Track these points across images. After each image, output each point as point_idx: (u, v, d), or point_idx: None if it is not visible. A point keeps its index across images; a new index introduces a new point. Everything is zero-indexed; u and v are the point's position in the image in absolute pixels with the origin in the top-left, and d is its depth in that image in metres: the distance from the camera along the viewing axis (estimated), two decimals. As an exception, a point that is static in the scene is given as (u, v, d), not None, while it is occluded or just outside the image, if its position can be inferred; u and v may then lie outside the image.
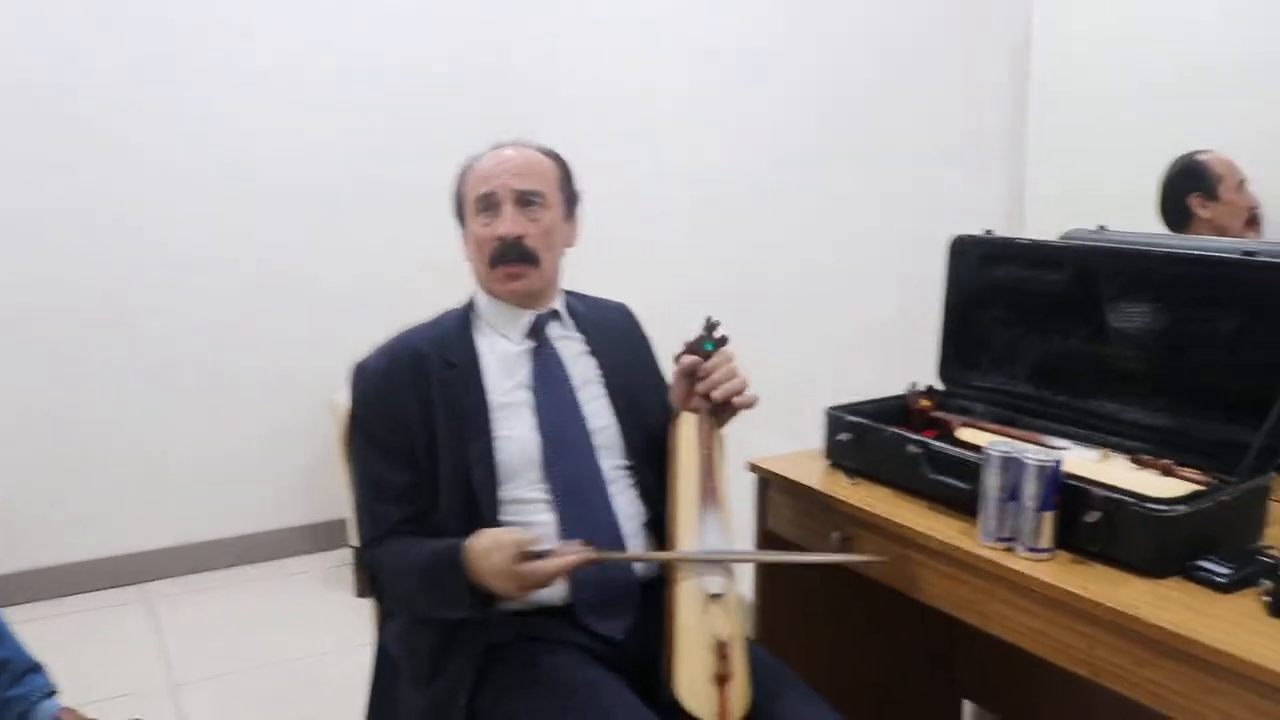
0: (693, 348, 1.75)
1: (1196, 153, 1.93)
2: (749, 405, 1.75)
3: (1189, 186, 1.94)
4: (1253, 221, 1.89)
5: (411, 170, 3.61)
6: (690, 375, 1.74)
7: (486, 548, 1.52)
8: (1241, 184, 1.89)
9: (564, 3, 3.68)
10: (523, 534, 1.53)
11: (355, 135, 3.67)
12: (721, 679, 1.46)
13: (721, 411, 1.75)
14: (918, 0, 2.41)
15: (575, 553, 1.52)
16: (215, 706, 2.77)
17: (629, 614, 1.66)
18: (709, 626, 1.51)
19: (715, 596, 1.54)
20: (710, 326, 1.76)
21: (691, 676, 1.46)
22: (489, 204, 1.75)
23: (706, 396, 1.73)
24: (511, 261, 1.74)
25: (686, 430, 1.72)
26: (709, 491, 1.65)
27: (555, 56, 3.82)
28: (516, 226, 1.73)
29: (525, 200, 1.75)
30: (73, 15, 3.22)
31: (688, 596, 1.54)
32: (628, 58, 3.45)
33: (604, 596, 1.65)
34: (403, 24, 3.71)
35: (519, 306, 1.80)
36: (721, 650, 1.48)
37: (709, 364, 1.73)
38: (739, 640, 1.52)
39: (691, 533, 1.61)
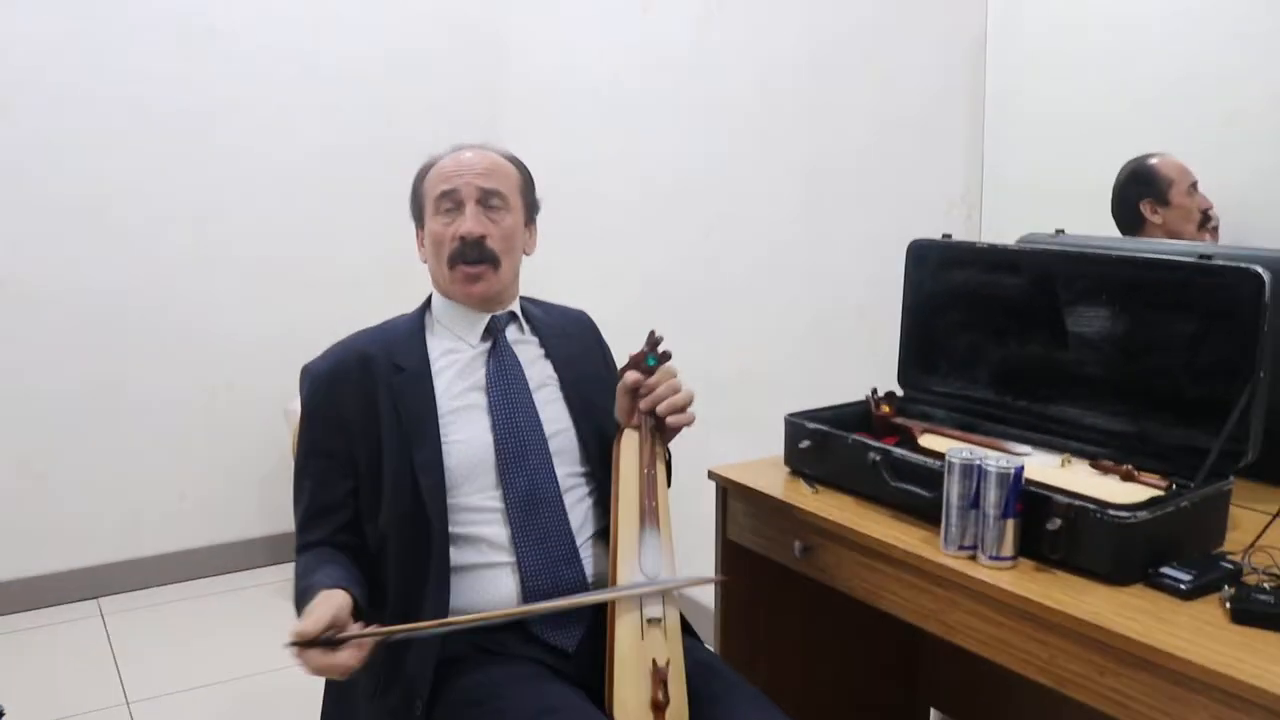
0: (635, 362, 1.72)
1: (1147, 156, 1.94)
2: (686, 424, 1.72)
3: (1139, 192, 1.94)
4: (1205, 223, 1.89)
5: (370, 172, 3.58)
6: (633, 391, 1.71)
7: (306, 611, 1.45)
8: (1193, 187, 1.89)
9: (551, 17, 3.66)
10: (319, 619, 1.40)
11: (320, 138, 3.63)
12: (658, 705, 1.45)
13: (664, 429, 1.72)
14: (876, 7, 2.40)
15: (359, 639, 1.41)
16: (169, 724, 2.72)
17: (580, 625, 1.64)
18: (647, 651, 1.49)
19: (653, 621, 1.52)
20: (653, 342, 1.73)
21: (628, 703, 1.45)
22: (452, 202, 1.72)
23: (650, 413, 1.70)
24: (471, 261, 1.71)
25: (628, 448, 1.69)
26: (648, 512, 1.63)
27: (516, 54, 3.81)
28: (479, 226, 1.71)
29: (488, 201, 1.73)
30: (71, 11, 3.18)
31: (625, 621, 1.52)
32: (585, 57, 3.44)
33: None
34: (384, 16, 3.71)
35: (476, 309, 1.77)
36: (658, 676, 1.47)
37: (652, 380, 1.70)
38: (677, 666, 1.50)
39: (629, 555, 1.59)
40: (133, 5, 3.29)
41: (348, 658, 1.40)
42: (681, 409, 1.70)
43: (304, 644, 1.39)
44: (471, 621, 1.54)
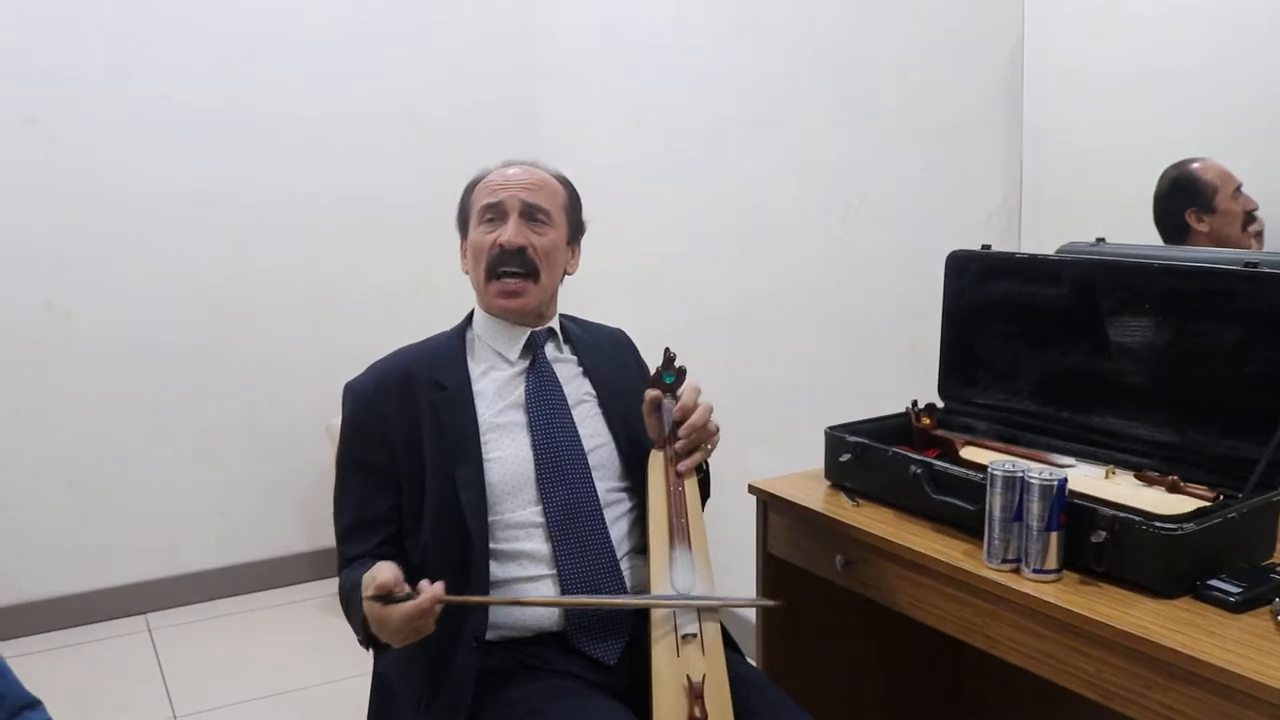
0: (653, 381, 1.73)
1: (1188, 162, 1.91)
2: (704, 446, 1.72)
3: (1184, 201, 1.91)
4: (1249, 224, 1.86)
5: (419, 194, 3.62)
6: (656, 409, 1.72)
7: (365, 582, 1.47)
8: (1236, 190, 1.87)
9: (583, 27, 3.68)
10: (387, 574, 1.43)
11: (358, 161, 3.66)
12: None
13: (686, 468, 1.71)
14: (912, 19, 2.39)
15: (430, 595, 1.44)
16: (216, 739, 2.75)
17: (620, 636, 1.64)
18: (682, 668, 1.49)
19: (688, 637, 1.52)
20: (668, 359, 1.74)
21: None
22: (495, 214, 1.74)
23: (674, 435, 1.70)
24: (510, 271, 1.73)
25: (656, 468, 1.70)
26: (678, 529, 1.63)
27: (551, 75, 3.83)
28: (520, 237, 1.72)
29: (531, 214, 1.74)
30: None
31: (660, 639, 1.52)
32: (618, 75, 3.45)
33: (594, 618, 1.63)
34: (423, 47, 3.74)
35: (515, 324, 1.78)
36: (694, 692, 1.46)
37: (682, 402, 1.70)
38: (716, 681, 1.49)
39: (661, 573, 1.59)
40: (176, 29, 3.34)
41: (427, 599, 1.43)
42: (702, 426, 1.70)
43: (380, 598, 1.42)
44: (536, 603, 1.61)
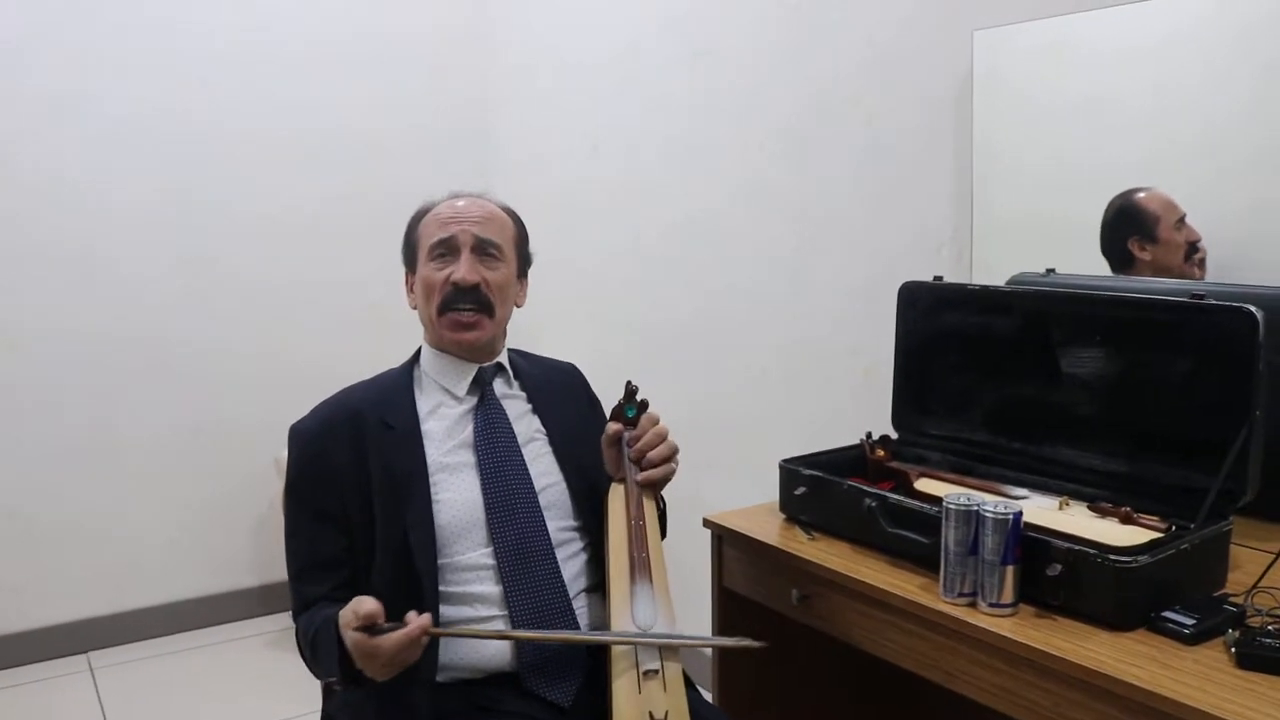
0: (615, 414, 1.72)
1: (1134, 191, 1.93)
2: (666, 476, 1.70)
3: (1127, 230, 1.93)
4: (1192, 254, 1.88)
5: (374, 218, 3.55)
6: (616, 442, 1.70)
7: (345, 618, 1.44)
8: (1180, 221, 1.89)
9: (537, 51, 3.68)
10: (372, 604, 1.41)
11: (312, 184, 3.62)
12: None
13: (649, 482, 1.70)
14: (864, 49, 2.41)
15: (419, 625, 1.42)
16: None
17: (574, 678, 1.61)
18: (645, 704, 1.46)
19: (650, 673, 1.49)
20: (630, 392, 1.72)
21: None
22: (446, 249, 1.71)
23: (636, 464, 1.68)
24: (464, 308, 1.70)
25: (615, 501, 1.68)
26: (639, 564, 1.60)
27: (506, 103, 3.82)
28: (473, 274, 1.70)
29: (483, 249, 1.72)
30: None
31: (620, 676, 1.49)
32: (574, 104, 3.45)
33: (547, 659, 1.60)
34: (383, 66, 3.72)
35: (464, 359, 1.76)
36: None
37: (637, 430, 1.69)
38: (679, 716, 1.46)
39: (622, 608, 1.56)
40: (132, 49, 3.30)
41: (415, 635, 1.41)
42: (664, 459, 1.69)
43: (370, 628, 1.40)
44: (527, 638, 1.57)
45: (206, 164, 3.46)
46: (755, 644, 1.60)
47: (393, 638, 1.40)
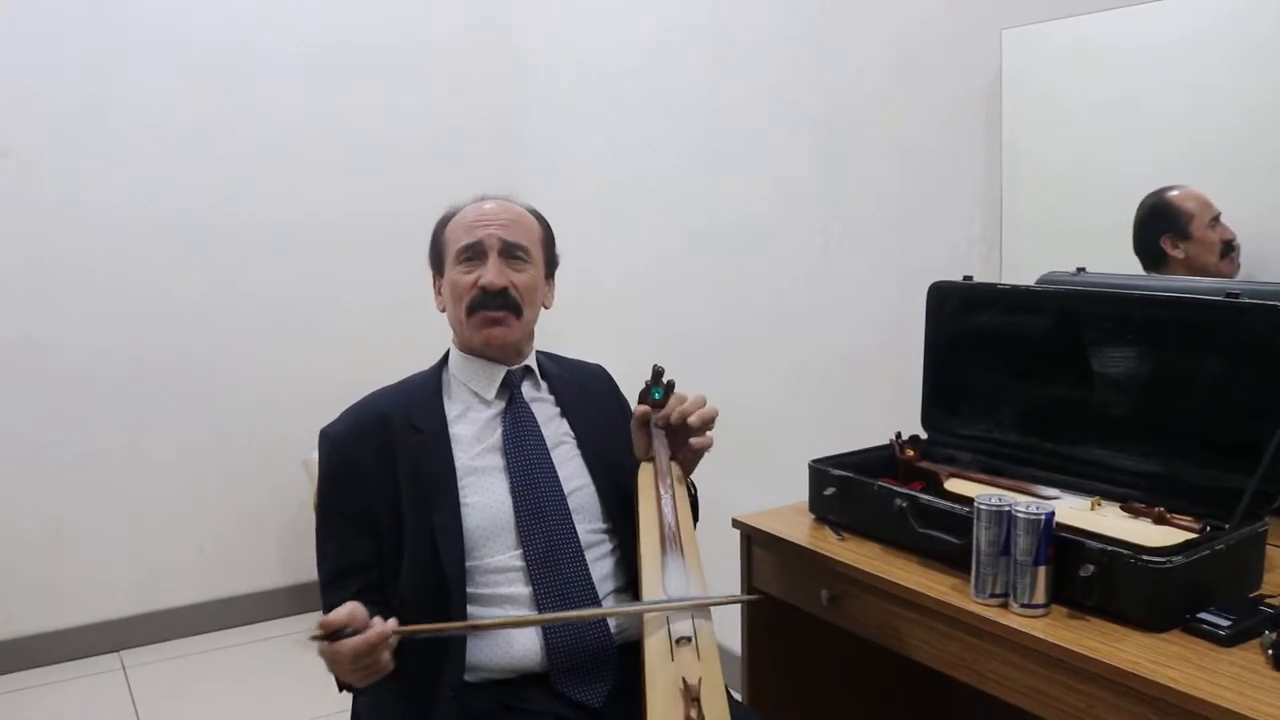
0: (642, 397, 1.73)
1: (1167, 189, 1.91)
2: (706, 446, 1.71)
3: (1160, 228, 1.92)
4: (1227, 253, 1.87)
5: (398, 222, 3.57)
6: (645, 425, 1.71)
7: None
8: (1214, 219, 1.87)
9: (561, 53, 3.68)
10: (338, 613, 1.42)
11: (336, 188, 3.64)
12: None
13: (682, 454, 1.71)
14: (890, 49, 2.40)
15: (377, 631, 1.42)
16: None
17: (606, 679, 1.61)
18: (677, 671, 1.45)
19: (682, 640, 1.49)
20: (657, 374, 1.73)
21: None
22: (474, 253, 1.72)
23: (665, 442, 1.69)
24: (493, 308, 1.71)
25: (645, 479, 1.68)
26: (670, 536, 1.60)
27: (529, 107, 3.83)
28: (501, 278, 1.70)
29: (511, 253, 1.73)
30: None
31: (654, 642, 1.49)
32: (597, 108, 3.45)
33: (578, 661, 1.60)
34: (404, 74, 3.73)
35: (493, 361, 1.76)
36: (689, 695, 1.42)
37: (669, 404, 1.70)
38: (712, 683, 1.45)
39: (653, 579, 1.56)
40: (154, 55, 3.33)
41: (374, 634, 1.42)
42: (704, 422, 1.70)
43: (327, 636, 1.41)
44: (495, 625, 1.57)
45: (233, 174, 3.48)
46: (741, 599, 1.69)
47: (350, 643, 1.41)
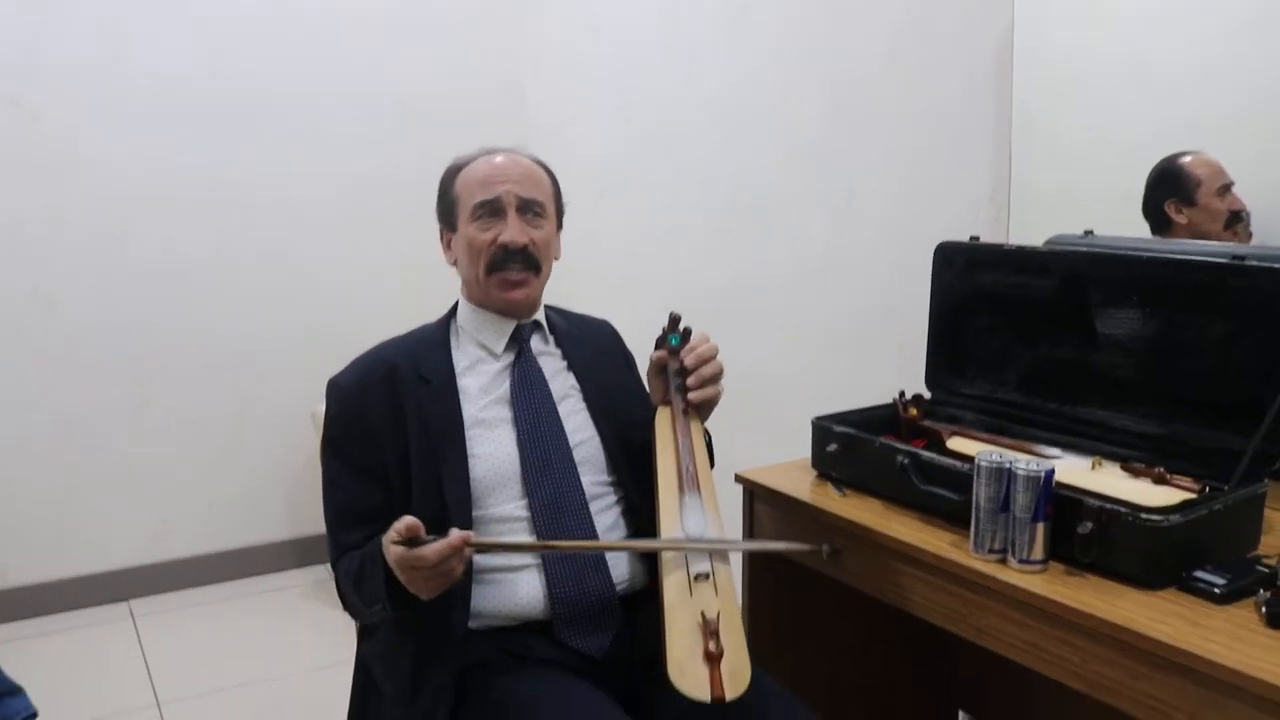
0: (659, 343, 1.74)
1: (1180, 155, 1.91)
2: (714, 396, 1.73)
3: (1166, 192, 1.92)
4: (1232, 225, 1.86)
5: (407, 180, 3.56)
6: (662, 370, 1.73)
7: (387, 536, 1.47)
8: (1224, 188, 1.87)
9: (573, 17, 3.66)
10: (408, 519, 1.45)
11: (345, 146, 3.65)
12: (710, 657, 1.42)
13: (698, 401, 1.73)
14: (901, 10, 2.39)
15: (457, 536, 1.45)
16: (199, 726, 2.74)
17: (608, 630, 1.63)
18: (696, 606, 1.47)
19: (700, 577, 1.51)
20: (674, 320, 1.74)
21: (680, 659, 1.42)
22: (491, 210, 1.71)
23: (681, 388, 1.71)
24: (514, 268, 1.71)
25: (662, 423, 1.70)
26: (688, 477, 1.63)
27: (542, 58, 3.81)
28: (522, 235, 1.71)
29: (529, 209, 1.73)
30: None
31: (672, 579, 1.51)
32: (611, 62, 3.44)
33: (581, 611, 1.62)
34: (415, 35, 3.72)
35: (504, 315, 1.77)
36: (708, 628, 1.44)
37: (691, 342, 1.71)
38: (730, 617, 1.48)
39: (671, 518, 1.58)
40: (163, 9, 3.33)
41: (458, 538, 1.44)
42: (713, 375, 1.71)
43: (406, 542, 1.43)
44: (569, 547, 1.62)
45: (242, 132, 3.49)
46: (807, 547, 1.68)
47: (435, 546, 1.42)
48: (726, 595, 1.50)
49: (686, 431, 1.68)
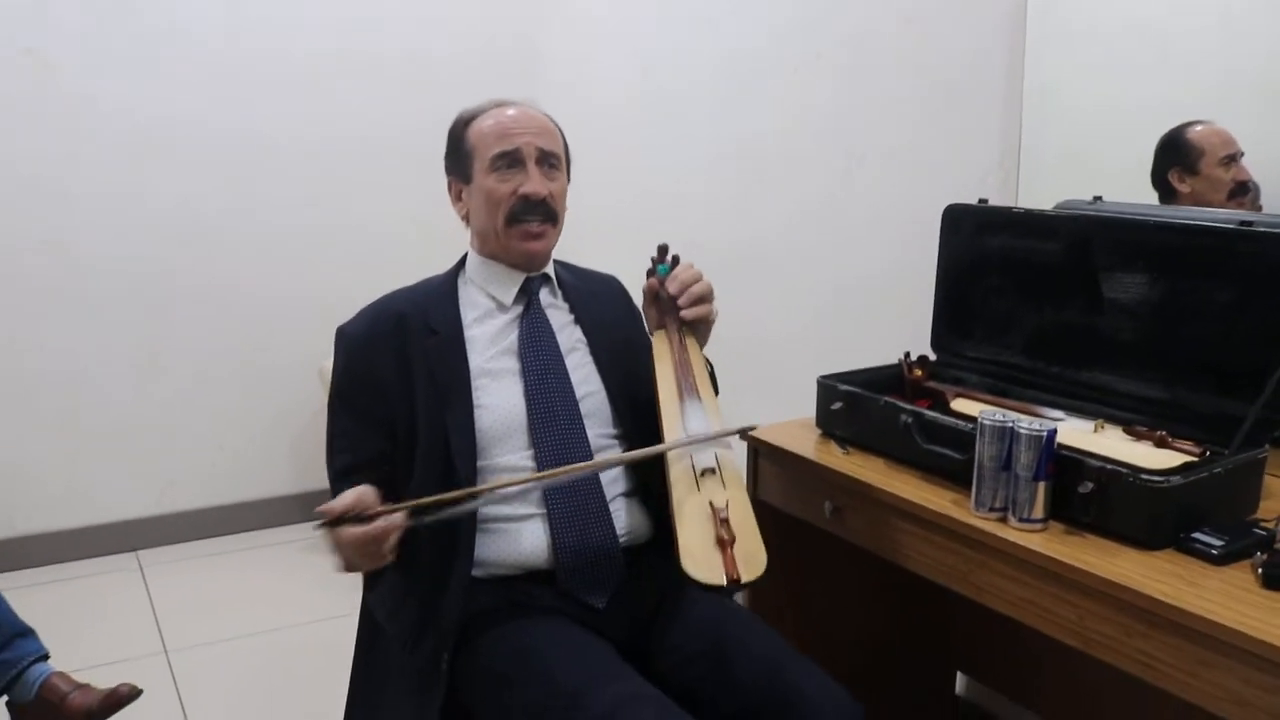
0: (650, 274, 1.75)
1: (1189, 124, 1.91)
2: (706, 315, 1.74)
3: (1170, 161, 1.92)
4: (1237, 195, 1.86)
5: (418, 135, 3.55)
6: (655, 298, 1.74)
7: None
8: (1229, 158, 1.86)
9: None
10: (344, 497, 1.45)
11: (357, 100, 3.64)
12: (722, 543, 1.43)
13: (692, 324, 1.74)
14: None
15: (382, 525, 1.43)
16: (207, 674, 2.77)
17: (610, 581, 1.65)
18: (704, 497, 1.49)
19: (706, 472, 1.53)
20: (662, 249, 1.75)
21: (691, 547, 1.44)
22: (511, 161, 1.71)
23: (674, 312, 1.72)
24: (534, 219, 1.72)
25: (660, 346, 1.72)
26: (688, 387, 1.65)
27: (552, 15, 3.79)
28: (543, 187, 1.72)
29: (547, 161, 1.74)
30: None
31: (679, 477, 1.53)
32: (621, 17, 3.43)
33: (584, 561, 1.63)
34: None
35: (514, 268, 1.77)
36: (718, 516, 1.46)
37: (677, 274, 1.72)
38: (739, 505, 1.49)
39: (674, 424, 1.60)
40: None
41: (378, 528, 1.44)
42: (702, 295, 1.72)
43: (331, 523, 1.43)
44: (498, 487, 1.60)
45: (254, 86, 3.48)
46: (740, 430, 1.66)
47: (349, 531, 1.43)
48: (735, 485, 1.52)
49: (683, 348, 1.70)
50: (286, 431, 3.71)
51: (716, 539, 1.44)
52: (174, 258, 3.45)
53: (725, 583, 1.38)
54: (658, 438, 1.62)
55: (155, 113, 3.35)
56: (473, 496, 1.57)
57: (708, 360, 1.79)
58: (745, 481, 1.53)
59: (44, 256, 3.28)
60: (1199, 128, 1.90)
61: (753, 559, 1.43)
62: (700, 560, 1.41)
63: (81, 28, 3.22)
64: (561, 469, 1.61)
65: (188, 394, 3.55)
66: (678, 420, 1.60)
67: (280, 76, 3.51)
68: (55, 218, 3.28)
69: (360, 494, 1.47)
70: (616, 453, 1.73)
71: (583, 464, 1.64)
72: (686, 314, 1.71)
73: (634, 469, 1.73)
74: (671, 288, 1.71)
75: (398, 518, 1.47)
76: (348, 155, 3.65)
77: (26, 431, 3.34)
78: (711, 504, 1.48)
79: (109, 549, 3.47)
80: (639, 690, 1.45)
